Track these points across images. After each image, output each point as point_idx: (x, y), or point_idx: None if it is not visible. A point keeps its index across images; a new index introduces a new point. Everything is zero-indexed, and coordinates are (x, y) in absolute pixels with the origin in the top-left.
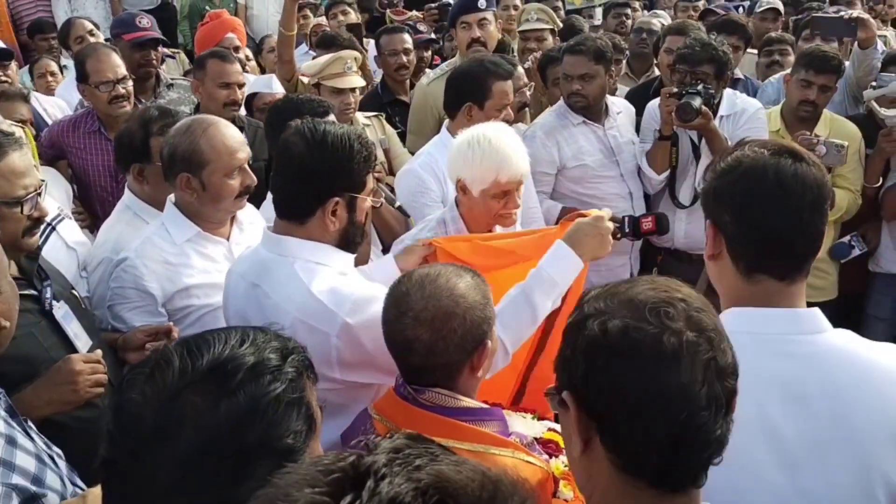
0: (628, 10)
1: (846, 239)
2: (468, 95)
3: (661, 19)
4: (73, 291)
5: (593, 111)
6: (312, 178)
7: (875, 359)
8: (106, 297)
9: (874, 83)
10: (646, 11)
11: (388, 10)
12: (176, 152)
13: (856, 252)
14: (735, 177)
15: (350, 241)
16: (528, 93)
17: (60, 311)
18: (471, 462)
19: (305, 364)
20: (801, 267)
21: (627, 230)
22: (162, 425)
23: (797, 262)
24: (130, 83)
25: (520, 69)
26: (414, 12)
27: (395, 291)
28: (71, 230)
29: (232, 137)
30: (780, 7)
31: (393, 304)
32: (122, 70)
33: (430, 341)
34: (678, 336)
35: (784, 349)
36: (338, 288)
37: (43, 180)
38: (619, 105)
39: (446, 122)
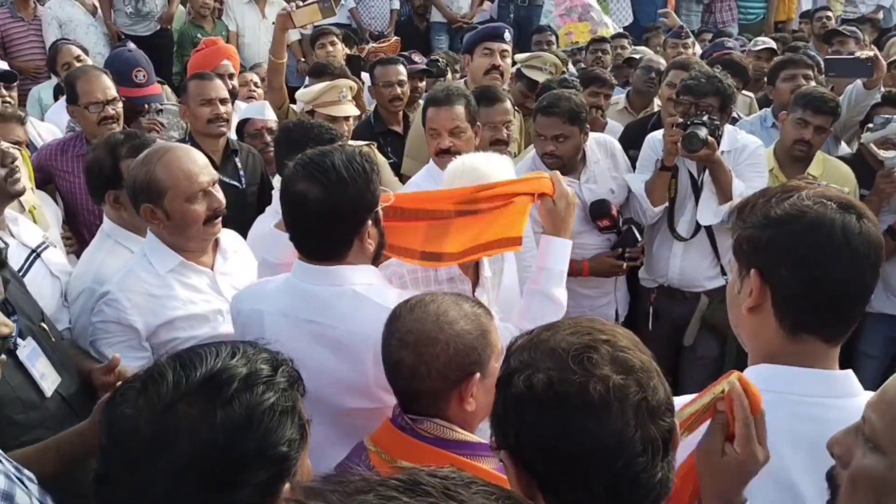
0: (606, 46)
1: None
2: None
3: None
4: (42, 324)
5: (568, 167)
6: (342, 217)
7: None
8: (88, 329)
9: (870, 125)
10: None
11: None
12: (135, 184)
13: None
14: (799, 229)
15: (379, 253)
16: (505, 132)
17: (26, 350)
18: None
19: (295, 376)
20: (849, 330)
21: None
22: (157, 437)
23: (848, 325)
24: (120, 105)
25: (506, 104)
26: (395, 38)
27: (391, 314)
28: (56, 258)
29: (191, 161)
30: (775, 46)
31: (386, 325)
32: (113, 91)
33: (413, 365)
34: (604, 382)
35: (815, 412)
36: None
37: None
38: (598, 150)
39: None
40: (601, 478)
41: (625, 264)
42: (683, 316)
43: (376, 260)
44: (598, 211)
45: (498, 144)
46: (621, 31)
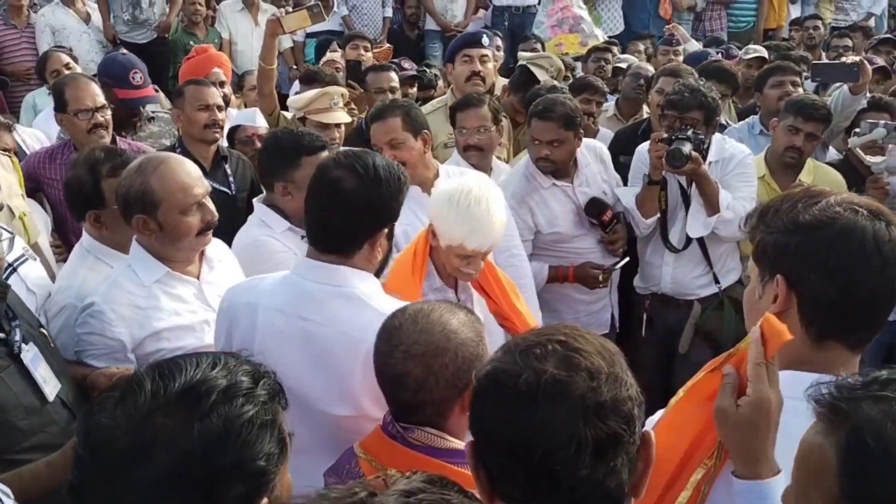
0: (609, 56)
1: None
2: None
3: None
4: (42, 329)
5: (562, 171)
6: (368, 213)
7: None
8: (69, 344)
9: (857, 130)
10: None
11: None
12: (129, 194)
13: None
14: (830, 235)
15: (383, 267)
16: (477, 138)
17: (29, 354)
18: None
19: (277, 388)
20: (872, 337)
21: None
22: (134, 448)
23: (873, 333)
24: (109, 112)
25: (483, 109)
26: (388, 45)
27: (387, 324)
28: (34, 272)
29: (186, 174)
30: (766, 55)
31: (384, 337)
32: (101, 99)
33: (421, 377)
34: (538, 375)
35: None
36: None
37: (11, 232)
38: (589, 154)
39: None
40: (520, 465)
41: (600, 276)
42: (677, 323)
43: (380, 273)
44: (596, 207)
45: (470, 150)
46: (611, 39)
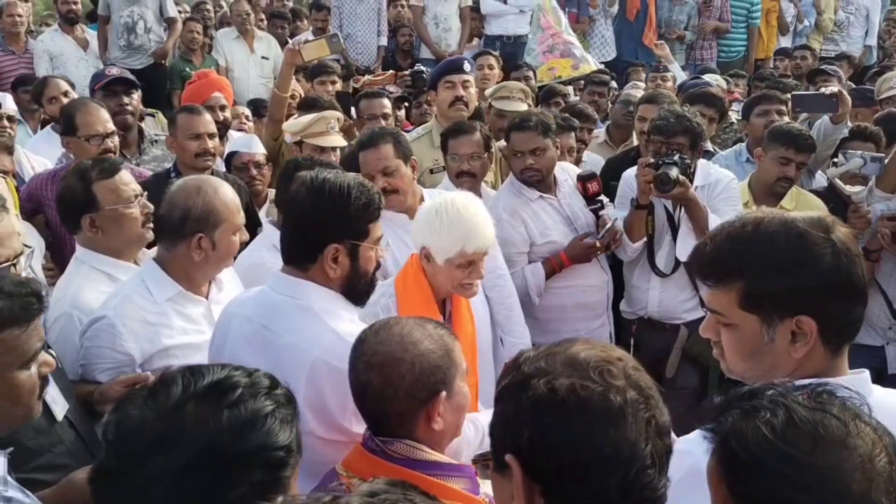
0: (604, 90)
1: None
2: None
3: (640, 90)
4: (50, 350)
5: (546, 184)
6: (312, 224)
7: None
8: (66, 354)
9: (835, 159)
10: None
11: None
12: (190, 213)
13: None
14: (829, 264)
15: (355, 290)
16: (469, 164)
17: None
18: None
19: (291, 396)
20: None
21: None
22: (164, 435)
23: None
24: (117, 140)
25: (476, 135)
26: (390, 71)
27: (357, 338)
28: None
29: (235, 195)
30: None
31: (353, 349)
32: (111, 126)
33: (380, 386)
34: (622, 394)
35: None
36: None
37: (29, 246)
38: (563, 173)
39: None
40: (614, 483)
41: (597, 243)
42: (664, 347)
43: (357, 298)
44: (589, 176)
45: (463, 176)
46: (602, 66)
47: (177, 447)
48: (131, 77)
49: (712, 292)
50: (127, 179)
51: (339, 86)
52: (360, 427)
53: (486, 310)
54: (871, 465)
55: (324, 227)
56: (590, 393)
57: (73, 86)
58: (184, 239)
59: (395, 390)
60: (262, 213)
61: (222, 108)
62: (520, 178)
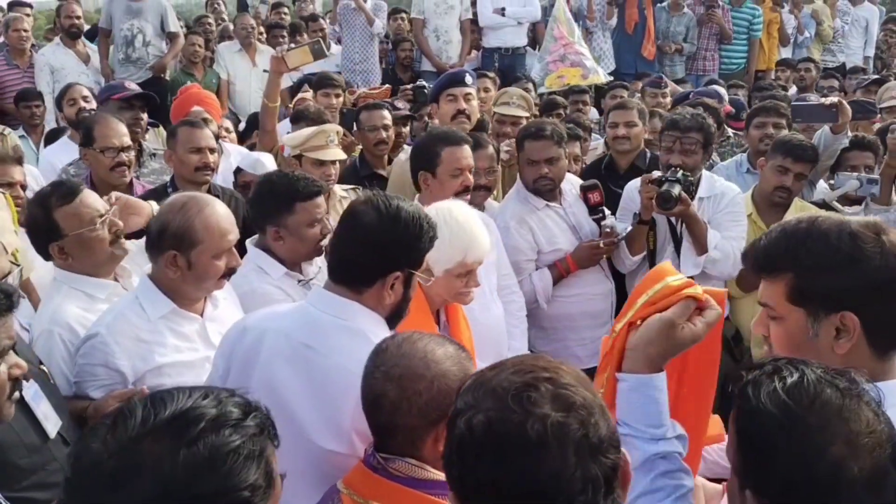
0: (586, 97)
1: None
2: (420, 165)
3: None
4: (42, 367)
5: (553, 193)
6: (381, 250)
7: None
8: (49, 369)
9: (832, 181)
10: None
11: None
12: (167, 229)
13: None
14: (878, 264)
15: (398, 314)
16: (486, 179)
17: (30, 390)
18: None
19: (267, 423)
20: None
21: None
22: (119, 472)
23: None
24: (133, 153)
25: (490, 149)
26: (387, 85)
27: (377, 347)
28: (24, 308)
29: (226, 219)
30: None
31: (370, 359)
32: (128, 140)
33: (396, 399)
34: (542, 421)
35: None
36: None
37: (18, 265)
38: (567, 183)
39: (417, 196)
40: None
41: (602, 243)
42: None
43: (396, 322)
44: (591, 186)
45: (480, 189)
46: (612, 79)
47: (131, 487)
48: (152, 94)
49: (764, 284)
50: (88, 201)
51: (342, 99)
52: None
53: (500, 319)
54: (855, 440)
55: (393, 254)
56: (506, 427)
57: (93, 93)
58: (160, 254)
59: (409, 405)
60: None
61: (204, 121)
62: (532, 187)
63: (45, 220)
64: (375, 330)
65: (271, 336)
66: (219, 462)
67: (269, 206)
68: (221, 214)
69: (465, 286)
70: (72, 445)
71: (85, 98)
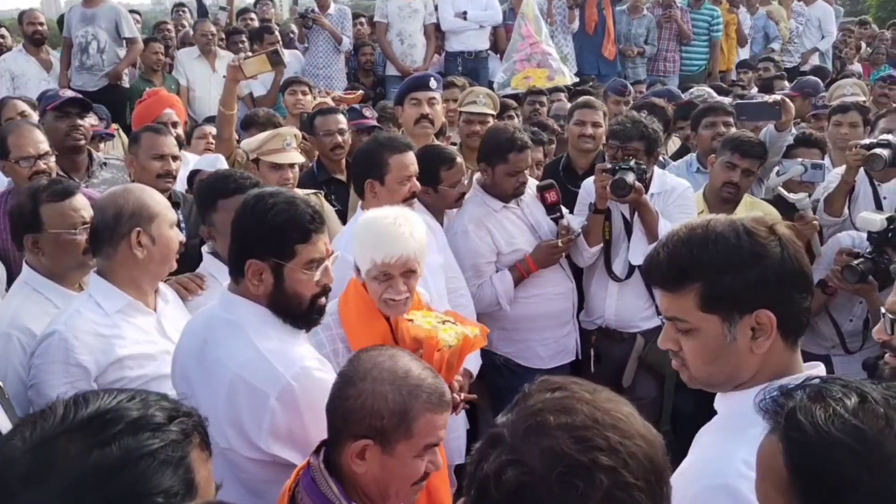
0: (543, 99)
1: None
2: (367, 173)
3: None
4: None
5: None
6: (235, 238)
7: None
8: (6, 373)
9: (778, 168)
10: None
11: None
12: (123, 210)
13: None
14: (783, 254)
15: (286, 311)
16: (465, 182)
17: None
18: None
19: (197, 430)
20: None
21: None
22: (33, 469)
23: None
24: (52, 159)
25: (460, 160)
26: (360, 91)
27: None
28: None
29: (163, 197)
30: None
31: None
32: (45, 146)
33: (333, 393)
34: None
35: None
36: (288, 351)
37: None
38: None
39: (360, 204)
40: None
41: (560, 242)
42: (623, 357)
43: (294, 321)
44: (547, 186)
45: (460, 200)
46: (577, 79)
47: (45, 484)
48: (86, 99)
49: (670, 299)
50: (78, 206)
51: (310, 97)
52: (278, 448)
53: None
54: None
55: (250, 242)
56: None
57: (34, 106)
58: (122, 238)
59: (337, 405)
60: None
61: (174, 124)
62: (510, 195)
63: (31, 212)
64: (256, 322)
65: (187, 333)
66: (130, 465)
67: (201, 206)
68: (156, 192)
69: (386, 291)
70: None
71: (23, 113)
